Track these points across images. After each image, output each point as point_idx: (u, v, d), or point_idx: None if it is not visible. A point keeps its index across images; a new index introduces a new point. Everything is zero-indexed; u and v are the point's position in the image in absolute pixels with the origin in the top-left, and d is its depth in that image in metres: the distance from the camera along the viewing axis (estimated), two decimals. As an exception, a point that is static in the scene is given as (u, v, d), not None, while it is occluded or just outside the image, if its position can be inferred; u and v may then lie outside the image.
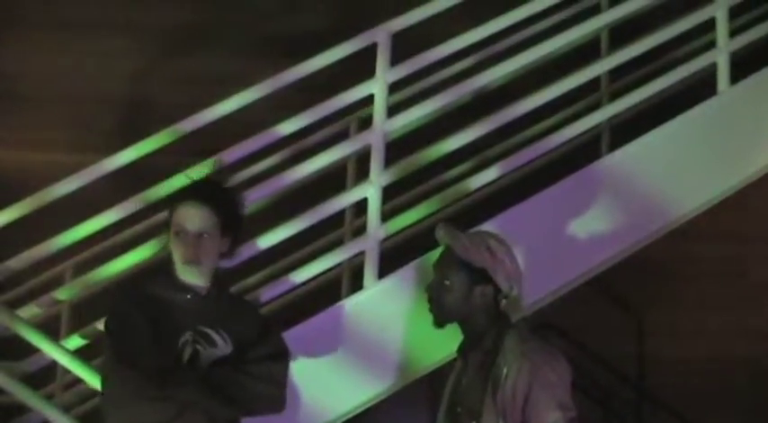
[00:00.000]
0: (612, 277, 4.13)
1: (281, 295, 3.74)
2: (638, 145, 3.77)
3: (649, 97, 3.99)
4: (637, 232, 3.73)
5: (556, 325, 4.88)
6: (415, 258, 3.49)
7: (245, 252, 3.38)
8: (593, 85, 4.29)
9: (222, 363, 2.90)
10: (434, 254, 3.36)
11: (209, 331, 2.92)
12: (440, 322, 2.98)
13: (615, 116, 4.20)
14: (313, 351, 3.36)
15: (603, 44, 4.51)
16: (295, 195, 3.84)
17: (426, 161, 3.65)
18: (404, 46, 3.63)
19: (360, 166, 4.04)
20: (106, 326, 2.92)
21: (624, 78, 4.63)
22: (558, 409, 2.78)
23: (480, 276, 2.92)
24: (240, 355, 2.92)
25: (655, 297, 5.33)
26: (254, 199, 3.51)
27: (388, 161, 3.55)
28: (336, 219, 3.90)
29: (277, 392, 2.94)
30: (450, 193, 3.71)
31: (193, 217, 2.91)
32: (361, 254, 3.54)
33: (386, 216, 3.59)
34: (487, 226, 3.48)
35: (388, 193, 3.62)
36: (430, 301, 2.99)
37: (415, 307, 3.42)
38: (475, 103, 4.18)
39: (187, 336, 2.89)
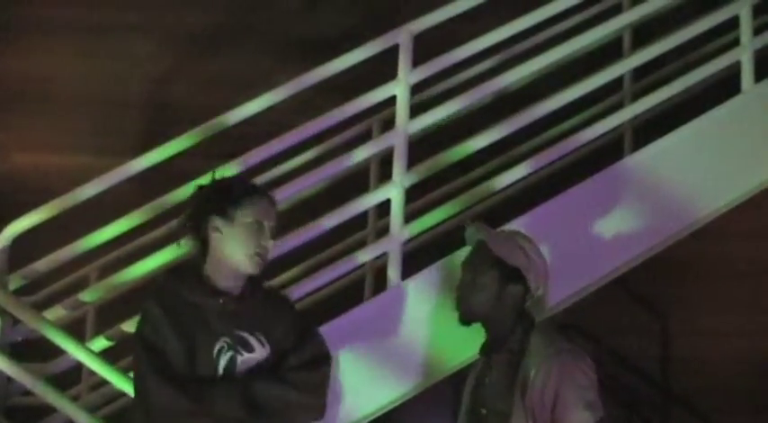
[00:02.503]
0: (637, 278, 4.11)
1: (304, 296, 3.74)
2: (662, 145, 3.76)
3: (672, 97, 3.97)
4: (660, 232, 3.71)
5: (579, 326, 4.86)
6: (438, 259, 3.49)
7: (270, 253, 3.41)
8: (615, 84, 4.27)
9: (261, 368, 2.80)
10: (459, 254, 3.37)
11: (246, 335, 2.80)
12: (467, 321, 2.96)
13: (638, 116, 4.18)
14: (336, 352, 3.35)
15: (626, 43, 4.49)
16: (319, 197, 3.85)
17: (449, 162, 3.65)
18: (426, 47, 3.63)
19: (383, 168, 4.04)
20: (137, 333, 2.80)
21: (647, 78, 4.61)
22: (587, 409, 2.77)
23: (513, 275, 2.92)
24: (279, 359, 2.83)
25: (680, 298, 5.30)
26: (278, 200, 3.52)
27: (411, 162, 3.55)
28: (360, 220, 3.91)
29: (318, 401, 2.85)
30: (473, 194, 3.70)
31: (271, 211, 2.86)
32: (385, 255, 3.54)
33: (409, 217, 3.60)
34: (510, 227, 3.48)
35: (411, 194, 3.63)
36: (459, 299, 2.98)
37: (439, 308, 3.42)
38: (497, 104, 4.17)
39: (222, 342, 2.78)
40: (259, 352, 2.81)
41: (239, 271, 2.82)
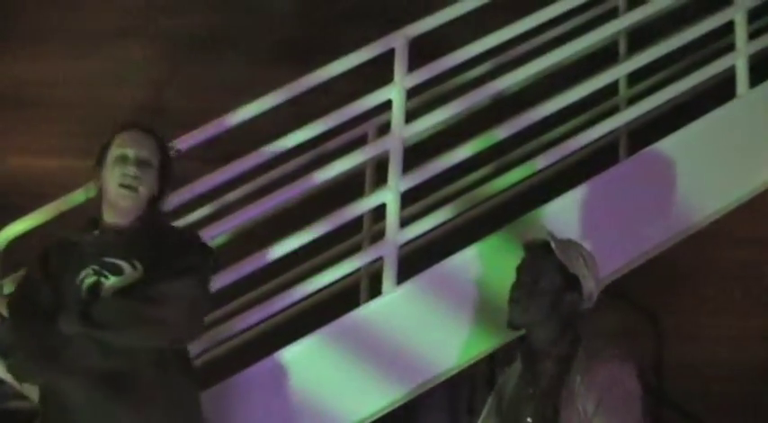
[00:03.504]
0: (631, 282, 4.10)
1: (299, 301, 3.73)
2: (657, 149, 3.76)
3: (668, 101, 3.98)
4: (655, 237, 3.72)
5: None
6: (433, 264, 3.49)
7: (264, 258, 3.41)
8: (611, 88, 4.27)
9: (132, 290, 2.78)
10: (453, 259, 3.38)
11: (118, 261, 2.82)
12: (519, 324, 2.92)
13: (633, 120, 4.18)
14: (331, 357, 3.36)
15: (622, 48, 4.50)
16: (313, 201, 3.84)
17: (444, 167, 3.65)
18: (420, 51, 3.63)
19: (378, 172, 4.04)
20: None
21: (642, 82, 4.61)
22: (627, 416, 2.75)
23: (572, 283, 2.90)
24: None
25: (674, 301, 5.30)
26: (272, 205, 3.52)
27: (406, 166, 3.55)
28: (355, 224, 3.90)
29: (174, 313, 2.76)
30: (468, 198, 3.70)
31: (140, 143, 2.88)
32: (380, 259, 3.54)
33: (404, 222, 3.59)
34: (504, 231, 3.49)
35: (407, 198, 3.62)
36: (514, 302, 2.94)
37: (434, 312, 3.42)
38: (492, 108, 4.17)
39: (89, 269, 2.81)
40: (130, 275, 2.80)
41: (117, 205, 2.87)
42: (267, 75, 4.53)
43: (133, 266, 2.82)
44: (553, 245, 2.93)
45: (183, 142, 3.41)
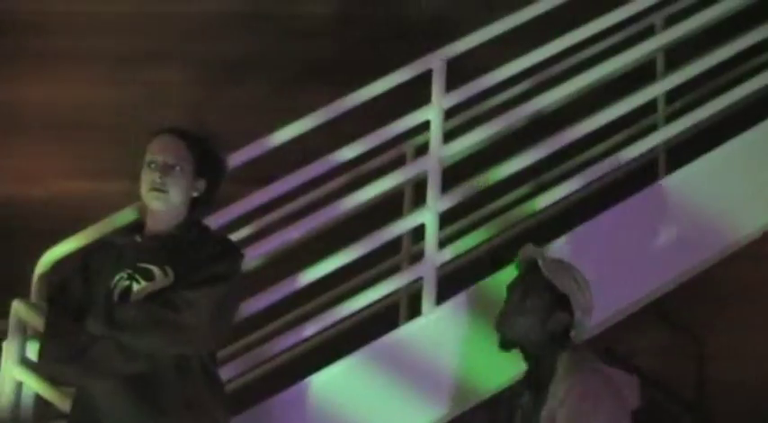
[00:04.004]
0: (672, 300, 4.07)
1: (339, 322, 3.74)
2: (696, 166, 3.74)
3: (707, 118, 3.95)
4: (696, 255, 3.69)
5: (613, 349, 4.82)
6: (473, 284, 3.48)
7: (302, 279, 3.42)
8: (649, 106, 4.25)
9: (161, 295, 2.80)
10: (493, 279, 3.37)
11: (151, 266, 2.84)
12: (509, 345, 2.92)
13: (672, 138, 4.16)
14: (371, 377, 3.36)
15: (659, 65, 4.48)
16: (352, 222, 3.85)
17: (483, 186, 3.64)
18: (457, 72, 3.64)
19: (417, 192, 4.04)
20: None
21: (681, 99, 4.59)
22: None
23: (562, 302, 2.88)
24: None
25: (715, 320, 5.25)
26: (310, 226, 3.53)
27: (445, 186, 3.55)
28: (394, 245, 3.90)
29: (195, 320, 2.75)
30: (508, 218, 3.69)
31: (166, 148, 2.90)
32: (419, 280, 3.54)
33: (443, 242, 3.59)
34: (544, 250, 3.46)
35: (445, 218, 3.62)
36: (501, 320, 2.93)
37: (473, 333, 3.41)
38: (529, 128, 4.16)
39: (123, 273, 2.84)
40: (160, 281, 2.82)
41: (152, 209, 2.91)
42: (304, 97, 4.57)
43: (164, 272, 2.84)
44: (540, 263, 2.91)
45: (223, 164, 3.45)
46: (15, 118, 5.24)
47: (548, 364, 2.85)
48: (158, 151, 2.90)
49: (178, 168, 2.89)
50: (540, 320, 2.87)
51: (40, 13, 5.33)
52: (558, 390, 2.74)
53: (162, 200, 2.88)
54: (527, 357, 2.93)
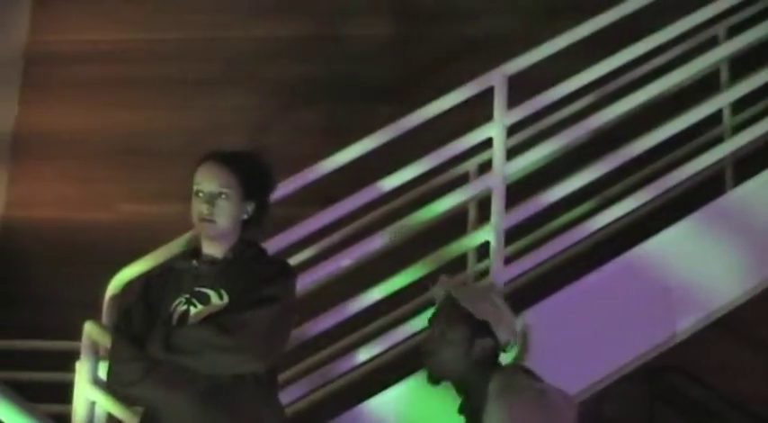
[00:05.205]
0: (744, 316, 4.00)
1: (404, 340, 3.73)
2: (765, 178, 3.68)
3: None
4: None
5: (684, 368, 4.75)
6: (537, 301, 3.46)
7: (369, 297, 3.42)
8: (714, 118, 4.20)
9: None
10: (560, 295, 3.35)
11: (207, 290, 2.87)
12: (437, 379, 2.88)
13: (739, 149, 4.10)
14: (439, 398, 3.35)
15: (723, 76, 4.42)
16: (417, 240, 3.85)
17: (547, 203, 3.62)
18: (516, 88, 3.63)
19: (481, 209, 4.03)
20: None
21: (747, 110, 4.52)
22: None
23: (482, 329, 2.84)
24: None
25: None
26: (376, 246, 3.54)
27: (508, 203, 3.53)
28: (459, 263, 3.89)
29: (247, 341, 2.78)
30: (573, 233, 3.66)
31: (210, 175, 2.90)
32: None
33: (508, 259, 3.57)
34: (612, 266, 3.44)
35: (510, 235, 3.60)
36: (426, 355, 2.88)
37: (542, 348, 3.38)
38: (592, 142, 4.13)
39: (182, 298, 2.88)
40: (216, 304, 2.85)
41: (205, 236, 2.94)
42: (366, 117, 4.58)
43: (219, 296, 2.88)
44: (454, 294, 2.88)
45: (286, 187, 3.47)
46: (84, 144, 5.35)
47: (480, 390, 2.80)
48: (203, 180, 2.92)
49: (224, 196, 2.90)
50: (462, 351, 2.82)
51: (104, 42, 5.45)
52: (489, 415, 2.71)
53: (210, 229, 2.91)
54: (458, 389, 2.88)
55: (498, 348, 2.86)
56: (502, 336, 2.85)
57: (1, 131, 5.44)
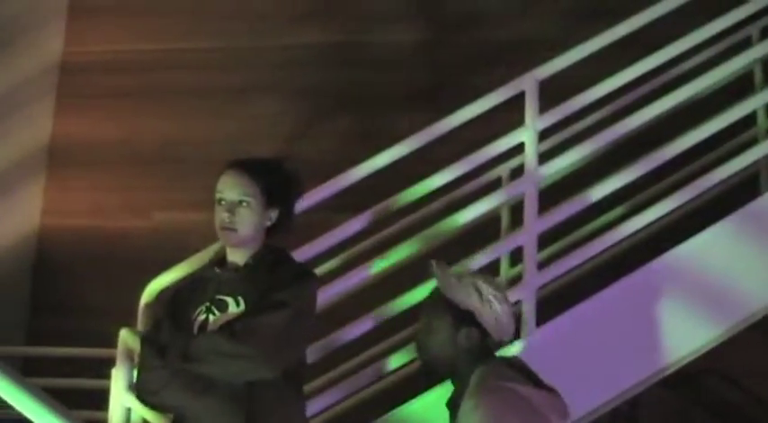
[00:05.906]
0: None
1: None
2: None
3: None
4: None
5: (717, 370, 4.71)
6: (572, 305, 3.45)
7: (403, 303, 3.42)
8: (748, 119, 4.16)
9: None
10: (594, 299, 3.33)
11: (226, 298, 2.89)
12: (427, 370, 2.86)
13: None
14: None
15: (757, 77, 4.39)
16: (450, 246, 3.85)
17: (581, 207, 3.61)
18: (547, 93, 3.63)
19: (513, 214, 4.02)
20: None
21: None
22: None
23: (466, 319, 2.82)
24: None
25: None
26: (408, 252, 3.54)
27: (541, 208, 3.53)
28: (492, 268, 3.89)
29: (256, 348, 2.77)
30: (606, 238, 3.65)
31: (231, 183, 2.91)
32: (518, 302, 3.51)
33: (542, 264, 3.56)
34: (648, 269, 3.42)
35: (543, 239, 3.59)
36: (416, 344, 2.89)
37: (574, 354, 3.37)
38: (625, 145, 4.11)
39: (203, 306, 2.90)
40: (232, 311, 2.86)
41: (228, 244, 2.96)
42: (397, 124, 4.60)
43: (237, 303, 2.89)
44: (439, 283, 2.86)
45: (318, 193, 3.48)
46: (119, 153, 5.40)
47: (464, 384, 2.77)
48: (224, 188, 2.93)
49: (245, 204, 2.91)
50: (448, 339, 2.80)
51: (138, 52, 5.50)
52: (464, 408, 2.67)
53: (231, 237, 2.92)
54: (451, 380, 2.85)
55: (488, 339, 2.83)
56: (490, 326, 2.82)
57: (37, 142, 5.50)
